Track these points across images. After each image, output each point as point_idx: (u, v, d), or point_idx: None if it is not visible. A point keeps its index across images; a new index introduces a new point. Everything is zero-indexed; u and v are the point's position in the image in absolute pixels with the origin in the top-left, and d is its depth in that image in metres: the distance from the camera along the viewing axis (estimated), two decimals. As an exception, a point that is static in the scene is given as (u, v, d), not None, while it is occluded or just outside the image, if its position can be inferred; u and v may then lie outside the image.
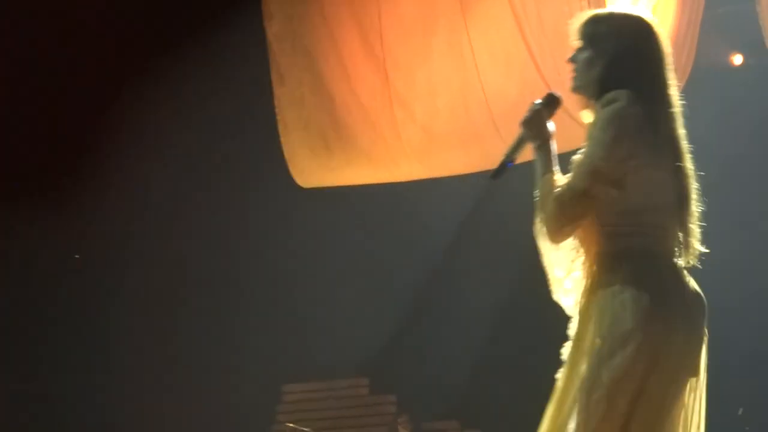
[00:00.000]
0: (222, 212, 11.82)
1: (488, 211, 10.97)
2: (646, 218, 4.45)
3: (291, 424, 11.61)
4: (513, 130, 9.32)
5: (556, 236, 4.52)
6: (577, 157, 4.49)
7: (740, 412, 10.57)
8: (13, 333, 11.66)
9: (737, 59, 11.01)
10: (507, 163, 4.67)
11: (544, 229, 4.52)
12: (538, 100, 4.80)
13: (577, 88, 4.73)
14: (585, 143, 4.50)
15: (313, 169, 10.34)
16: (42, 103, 11.12)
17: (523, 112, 9.47)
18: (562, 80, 8.86)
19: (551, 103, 4.76)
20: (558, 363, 4.66)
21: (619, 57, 4.60)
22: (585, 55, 4.68)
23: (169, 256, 11.97)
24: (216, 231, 11.88)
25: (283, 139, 10.18)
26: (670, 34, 9.08)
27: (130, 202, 11.85)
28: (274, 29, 10.03)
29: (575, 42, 4.77)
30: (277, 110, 10.17)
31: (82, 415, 11.66)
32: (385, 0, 9.61)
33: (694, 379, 4.46)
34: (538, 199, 4.54)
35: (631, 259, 4.41)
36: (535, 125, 4.71)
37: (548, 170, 4.57)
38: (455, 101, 9.62)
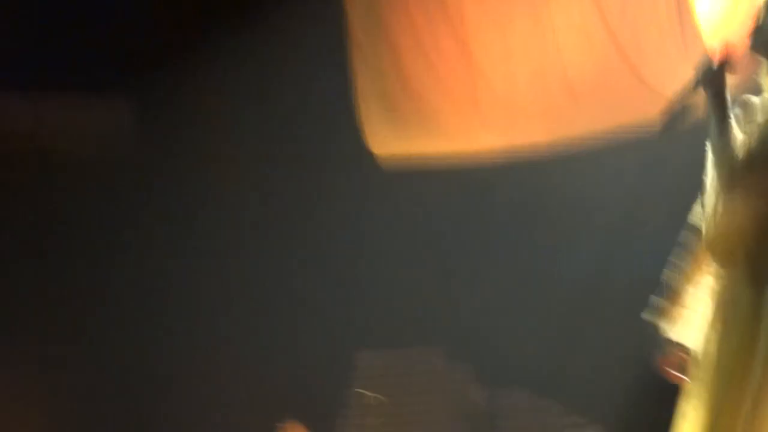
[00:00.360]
0: (296, 182, 11.79)
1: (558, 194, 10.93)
2: None
3: (362, 390, 11.68)
4: (591, 102, 9.48)
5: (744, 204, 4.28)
6: None
7: None
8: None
9: None
10: (677, 115, 4.39)
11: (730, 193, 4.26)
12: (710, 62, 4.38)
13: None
14: None
15: (388, 137, 10.35)
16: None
17: (600, 86, 9.54)
18: (642, 56, 9.00)
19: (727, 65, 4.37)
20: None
21: None
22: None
23: (246, 217, 12.07)
24: (297, 199, 11.83)
25: (359, 107, 10.26)
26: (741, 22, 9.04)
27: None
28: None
29: None
30: (353, 79, 10.23)
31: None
32: None
33: None
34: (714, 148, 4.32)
35: None
36: (710, 73, 4.37)
37: (725, 131, 4.27)
38: (534, 71, 9.58)
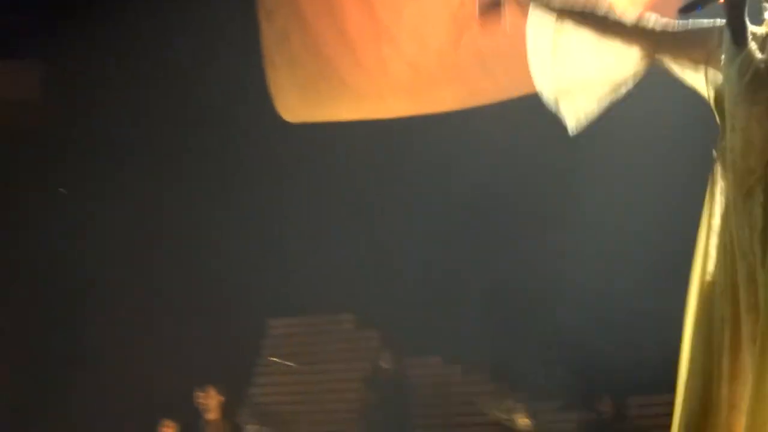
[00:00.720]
0: (208, 150, 11.81)
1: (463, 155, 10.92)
2: None
3: (275, 358, 11.71)
4: (500, 68, 9.38)
5: (752, 105, 4.10)
6: None
7: None
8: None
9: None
10: (696, 5, 4.21)
11: (740, 87, 4.11)
12: None
13: None
14: None
15: (300, 105, 10.15)
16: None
17: (510, 51, 9.44)
18: None
19: None
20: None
21: None
22: None
23: (158, 189, 11.95)
24: (203, 169, 11.83)
25: (269, 76, 10.00)
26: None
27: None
28: (258, -34, 9.88)
29: None
30: (263, 47, 9.98)
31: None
32: None
33: None
34: (727, 58, 4.17)
35: None
36: None
37: (739, 39, 4.12)
38: (443, 40, 9.41)
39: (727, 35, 4.19)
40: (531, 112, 4.72)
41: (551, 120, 4.57)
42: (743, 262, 4.08)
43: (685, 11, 4.25)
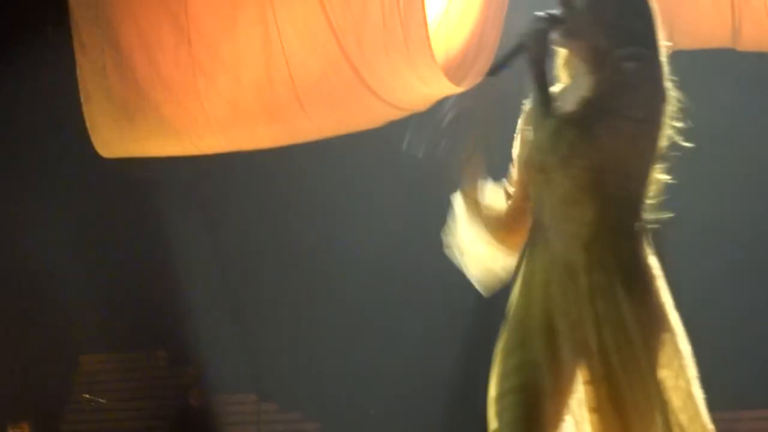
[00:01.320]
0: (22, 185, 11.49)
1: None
2: (635, 184, 4.16)
3: (87, 395, 11.51)
4: (317, 107, 9.32)
5: (563, 169, 4.07)
6: (590, 98, 4.06)
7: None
8: None
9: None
10: (502, 66, 4.21)
11: (551, 157, 4.07)
12: (539, 18, 4.18)
13: (567, 36, 4.20)
14: (598, 89, 4.06)
15: (117, 140, 9.86)
16: None
17: (326, 89, 9.39)
18: (364, 57, 8.86)
19: (554, 23, 4.18)
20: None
21: (628, 11, 4.18)
22: (584, 5, 4.19)
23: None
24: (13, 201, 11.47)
25: (85, 109, 9.66)
26: (471, 33, 9.00)
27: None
28: (74, -1, 9.65)
29: None
30: (79, 79, 9.64)
31: None
32: None
33: None
34: (536, 121, 4.13)
35: (626, 230, 4.12)
36: (535, 40, 4.15)
37: (545, 92, 4.15)
38: (260, 76, 9.29)
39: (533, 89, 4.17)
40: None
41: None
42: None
43: (492, 73, 4.21)
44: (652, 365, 4.04)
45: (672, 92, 4.12)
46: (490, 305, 4.61)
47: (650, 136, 4.09)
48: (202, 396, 11.11)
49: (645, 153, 4.10)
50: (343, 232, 10.96)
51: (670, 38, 8.61)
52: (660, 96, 4.10)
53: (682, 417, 4.05)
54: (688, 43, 8.48)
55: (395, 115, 9.21)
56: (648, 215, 4.14)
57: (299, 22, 8.99)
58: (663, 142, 4.12)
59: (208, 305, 11.31)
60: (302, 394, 11.43)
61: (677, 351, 4.10)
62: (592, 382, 4.04)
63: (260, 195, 11.25)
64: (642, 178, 4.13)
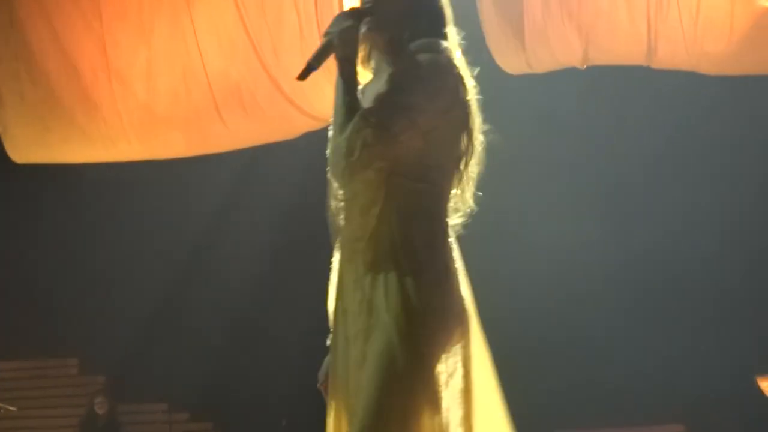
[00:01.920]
0: None
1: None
2: (435, 175, 3.97)
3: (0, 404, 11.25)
4: (234, 113, 9.15)
5: (360, 172, 3.89)
6: (385, 93, 3.88)
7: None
8: None
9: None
10: (311, 67, 3.98)
11: (347, 160, 3.88)
12: (343, 16, 4.06)
13: (370, 30, 4.03)
14: (392, 83, 3.89)
15: (29, 145, 9.59)
16: None
17: (244, 98, 9.23)
18: (282, 66, 8.71)
19: (360, 18, 4.02)
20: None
21: (420, 5, 4.10)
22: (379, 1, 4.07)
23: None
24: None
25: None
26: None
27: None
28: (-14, -1, 9.43)
29: None
30: None
31: None
32: None
33: None
34: (337, 123, 3.93)
35: (423, 221, 3.95)
36: (345, 38, 3.99)
37: (352, 92, 3.97)
38: (177, 83, 9.12)
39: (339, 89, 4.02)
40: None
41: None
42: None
43: (303, 77, 3.99)
44: (431, 357, 3.90)
45: (470, 82, 4.01)
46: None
47: (449, 126, 3.95)
48: (108, 404, 10.84)
49: (445, 144, 3.96)
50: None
51: (586, 54, 8.68)
52: (456, 86, 3.96)
53: (451, 416, 3.92)
54: (604, 59, 8.63)
55: (313, 125, 9.07)
56: (458, 207, 4.02)
57: (217, 30, 8.88)
58: (470, 133, 3.99)
59: (120, 312, 11.19)
60: (213, 403, 11.31)
61: (466, 348, 3.97)
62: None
63: (167, 201, 11.10)
64: (444, 167, 3.99)
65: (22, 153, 9.56)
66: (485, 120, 4.08)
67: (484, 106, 4.04)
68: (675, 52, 8.40)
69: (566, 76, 8.93)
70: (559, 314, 10.60)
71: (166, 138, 9.36)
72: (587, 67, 8.63)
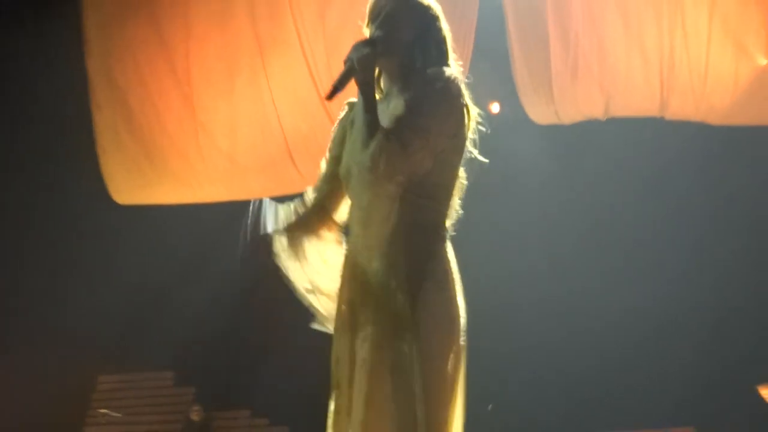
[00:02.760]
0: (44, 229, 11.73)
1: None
2: (439, 192, 4.17)
3: (104, 410, 11.67)
4: (306, 161, 9.43)
5: (381, 185, 4.05)
6: (403, 115, 4.02)
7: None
8: None
9: (495, 107, 10.45)
10: (336, 89, 4.13)
11: (371, 174, 4.02)
12: (362, 44, 4.15)
13: (383, 56, 4.17)
14: (410, 106, 4.03)
15: (129, 188, 10.09)
16: None
17: (314, 147, 9.58)
18: None
19: (376, 45, 4.17)
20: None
21: (427, 34, 4.27)
22: (391, 30, 4.21)
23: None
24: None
25: (101, 161, 9.95)
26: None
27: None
28: (92, 65, 9.84)
29: (372, 21, 4.27)
30: (95, 134, 9.95)
31: None
32: (193, 42, 9.47)
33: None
34: (359, 140, 4.07)
35: (428, 233, 4.13)
36: (364, 63, 4.12)
37: (373, 112, 4.09)
38: (255, 134, 9.52)
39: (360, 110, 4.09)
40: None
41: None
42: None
43: (330, 98, 4.13)
44: (442, 359, 4.01)
45: (472, 108, 4.14)
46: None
47: (457, 148, 4.10)
48: (202, 412, 11.19)
49: (452, 163, 4.11)
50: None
51: (607, 108, 9.04)
52: (463, 112, 4.10)
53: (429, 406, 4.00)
54: (622, 112, 8.91)
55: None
56: (450, 215, 4.15)
57: (290, 89, 9.28)
58: (462, 154, 4.13)
59: (211, 331, 11.35)
60: (290, 409, 11.41)
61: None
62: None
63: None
64: (448, 186, 4.15)
65: (123, 195, 10.08)
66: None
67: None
68: (685, 106, 8.65)
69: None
70: (568, 316, 10.50)
71: (245, 183, 9.74)
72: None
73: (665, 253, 10.38)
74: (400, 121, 3.99)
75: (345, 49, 9.43)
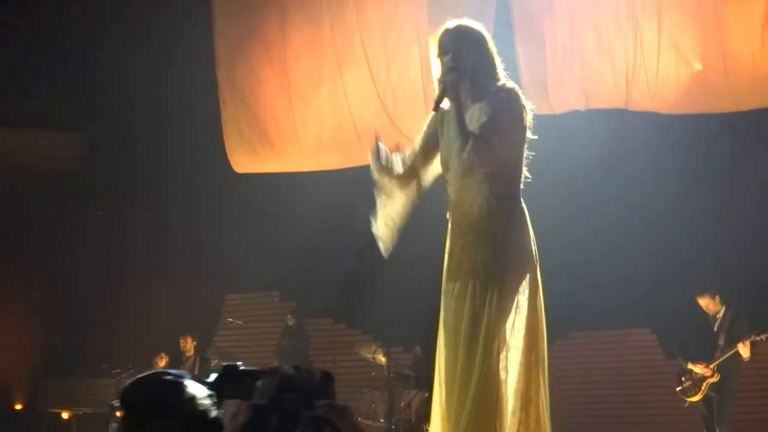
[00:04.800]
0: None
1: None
2: (513, 171, 4.18)
3: (230, 319, 11.77)
4: (371, 140, 9.54)
5: (474, 173, 4.09)
6: (485, 121, 4.06)
7: None
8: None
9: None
10: (438, 105, 4.19)
11: (466, 168, 4.07)
12: (448, 71, 4.19)
13: (459, 77, 4.17)
14: (490, 113, 4.08)
15: (245, 162, 10.21)
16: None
17: (373, 132, 9.59)
18: (398, 111, 9.23)
19: (456, 70, 4.19)
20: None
21: (485, 57, 4.26)
22: (462, 58, 4.20)
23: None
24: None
25: (226, 143, 10.12)
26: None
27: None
28: (221, 73, 10.03)
29: (444, 51, 4.26)
30: (222, 123, 10.10)
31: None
32: (290, 61, 9.63)
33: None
34: (457, 145, 4.10)
35: (508, 200, 4.14)
36: (452, 84, 4.15)
37: (463, 121, 4.12)
38: (334, 122, 9.66)
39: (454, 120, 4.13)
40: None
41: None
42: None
43: (436, 109, 4.23)
44: (513, 293, 4.02)
45: (528, 105, 4.19)
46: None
47: (523, 137, 4.15)
48: (295, 318, 11.20)
49: (521, 148, 4.15)
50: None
51: (587, 101, 8.93)
52: (523, 110, 4.15)
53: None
54: (598, 105, 8.91)
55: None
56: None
57: (358, 90, 9.42)
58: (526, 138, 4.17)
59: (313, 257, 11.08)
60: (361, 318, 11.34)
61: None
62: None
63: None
64: (519, 164, 4.17)
65: (240, 167, 10.19)
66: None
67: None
68: (642, 100, 8.61)
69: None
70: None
71: (328, 156, 9.86)
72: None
73: (625, 182, 9.89)
74: (484, 126, 4.03)
75: (398, 64, 9.29)
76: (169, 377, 2.02)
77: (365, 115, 9.47)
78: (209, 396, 2.02)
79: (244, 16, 9.86)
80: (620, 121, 9.13)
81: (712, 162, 9.64)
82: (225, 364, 2.07)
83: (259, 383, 1.97)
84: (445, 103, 4.25)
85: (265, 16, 9.80)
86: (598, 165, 9.57)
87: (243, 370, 2.06)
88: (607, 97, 8.78)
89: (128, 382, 2.08)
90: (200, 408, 1.99)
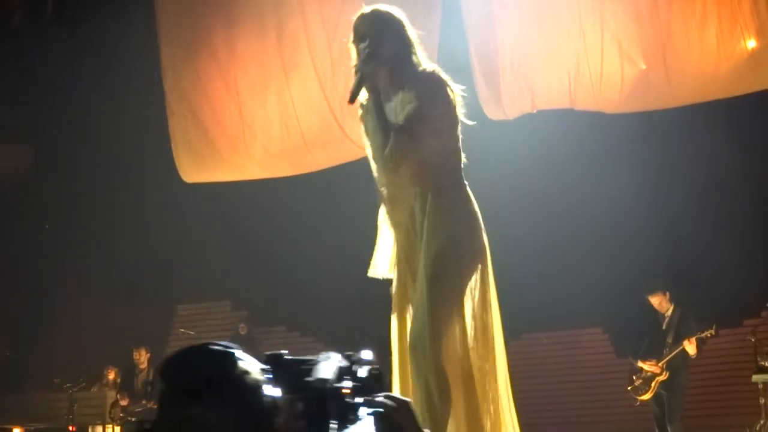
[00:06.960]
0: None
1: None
2: (451, 157, 3.91)
3: (183, 329, 11.48)
4: (317, 149, 9.35)
5: (399, 168, 3.84)
6: (409, 113, 3.77)
7: None
8: None
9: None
10: (354, 94, 3.84)
11: (394, 163, 3.81)
12: (366, 58, 3.85)
13: (378, 65, 3.86)
14: (414, 102, 3.78)
15: (194, 171, 9.92)
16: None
17: (322, 138, 9.35)
18: (344, 117, 8.95)
19: (375, 57, 3.87)
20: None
21: (403, 42, 3.95)
22: (381, 44, 3.88)
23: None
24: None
25: (174, 153, 9.82)
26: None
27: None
28: (167, 83, 9.73)
29: (361, 38, 3.94)
30: (170, 133, 9.79)
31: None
32: (238, 69, 9.42)
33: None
34: (378, 140, 3.84)
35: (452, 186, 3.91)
36: (371, 72, 3.82)
37: (382, 114, 3.85)
38: (282, 132, 9.40)
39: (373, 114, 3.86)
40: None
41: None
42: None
43: (352, 101, 3.90)
44: (462, 287, 3.83)
45: (456, 88, 3.88)
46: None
47: (452, 122, 3.85)
48: (246, 328, 10.92)
49: (454, 133, 3.85)
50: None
51: (534, 104, 8.72)
52: (448, 92, 3.83)
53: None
54: (545, 106, 8.72)
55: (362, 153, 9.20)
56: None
57: (305, 96, 9.16)
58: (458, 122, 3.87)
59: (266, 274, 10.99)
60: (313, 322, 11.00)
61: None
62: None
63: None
64: (455, 153, 3.89)
65: (189, 176, 9.87)
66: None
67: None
68: (587, 100, 8.46)
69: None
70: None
71: (276, 164, 9.58)
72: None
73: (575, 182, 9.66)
74: (407, 117, 3.75)
75: (346, 68, 9.07)
76: (218, 347, 1.66)
77: (313, 121, 9.25)
78: (263, 371, 1.69)
79: (189, 27, 9.59)
80: (568, 122, 8.96)
81: (661, 161, 9.48)
82: (268, 353, 1.79)
83: (315, 369, 1.77)
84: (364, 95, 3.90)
85: (211, 26, 9.52)
86: (548, 166, 9.42)
87: (289, 359, 1.80)
88: (553, 98, 8.61)
89: (168, 355, 1.69)
90: (254, 384, 1.64)
